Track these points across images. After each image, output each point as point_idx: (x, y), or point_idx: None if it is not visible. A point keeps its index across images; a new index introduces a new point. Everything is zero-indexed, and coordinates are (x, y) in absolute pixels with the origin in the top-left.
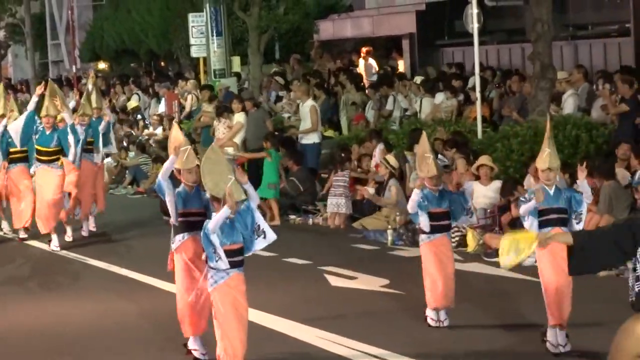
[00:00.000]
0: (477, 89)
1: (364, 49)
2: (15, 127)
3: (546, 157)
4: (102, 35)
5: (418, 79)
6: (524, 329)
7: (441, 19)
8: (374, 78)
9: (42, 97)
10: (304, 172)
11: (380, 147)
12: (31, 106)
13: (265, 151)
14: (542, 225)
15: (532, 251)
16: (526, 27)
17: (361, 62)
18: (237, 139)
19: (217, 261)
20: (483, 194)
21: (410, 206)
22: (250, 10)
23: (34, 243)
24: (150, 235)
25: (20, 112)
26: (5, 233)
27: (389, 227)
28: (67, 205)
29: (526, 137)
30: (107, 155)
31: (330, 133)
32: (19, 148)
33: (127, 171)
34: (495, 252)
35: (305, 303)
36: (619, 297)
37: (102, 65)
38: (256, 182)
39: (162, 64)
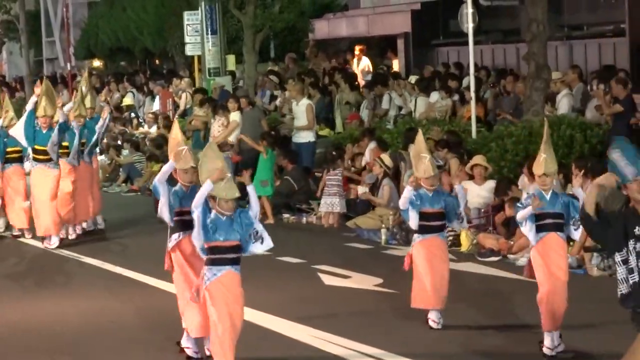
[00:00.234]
0: (472, 88)
1: (357, 48)
2: (17, 130)
3: (542, 162)
4: (97, 33)
5: (413, 79)
6: (518, 329)
7: (436, 19)
8: (369, 77)
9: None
10: (298, 171)
11: (372, 145)
12: (29, 106)
13: (263, 149)
14: (537, 229)
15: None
16: (521, 27)
17: (355, 61)
18: (232, 138)
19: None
20: (477, 193)
21: (402, 202)
22: (246, 8)
23: (28, 241)
24: (144, 233)
25: (16, 111)
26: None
27: (383, 226)
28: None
29: (520, 137)
30: (101, 152)
31: (325, 132)
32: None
33: (120, 169)
34: (488, 252)
35: (299, 302)
36: (613, 297)
37: (96, 63)
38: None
39: (157, 62)
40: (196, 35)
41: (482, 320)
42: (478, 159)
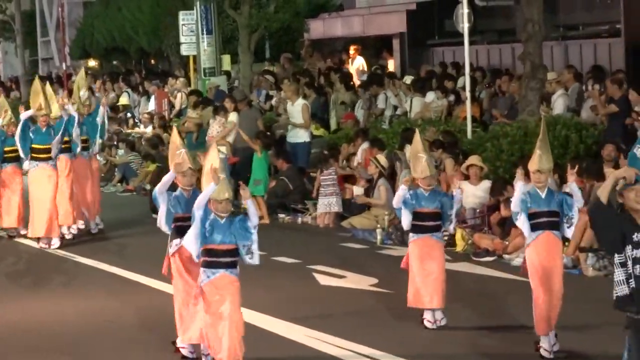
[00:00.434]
0: (467, 88)
1: (352, 47)
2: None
3: (536, 159)
4: (92, 33)
5: (408, 79)
6: (513, 329)
7: (431, 19)
8: (364, 77)
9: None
10: (293, 170)
11: (364, 145)
12: (24, 117)
13: (258, 148)
14: (533, 228)
15: None
16: (517, 27)
17: (350, 61)
18: (230, 139)
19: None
20: (472, 193)
21: (395, 201)
22: (241, 8)
23: (24, 241)
24: (141, 233)
25: (13, 109)
26: None
27: (378, 226)
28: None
29: (516, 137)
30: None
31: (320, 132)
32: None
33: (116, 169)
34: (483, 252)
35: (294, 302)
36: (608, 297)
37: (92, 62)
38: (245, 181)
39: (152, 61)
40: (191, 35)
41: (477, 320)
42: (473, 159)
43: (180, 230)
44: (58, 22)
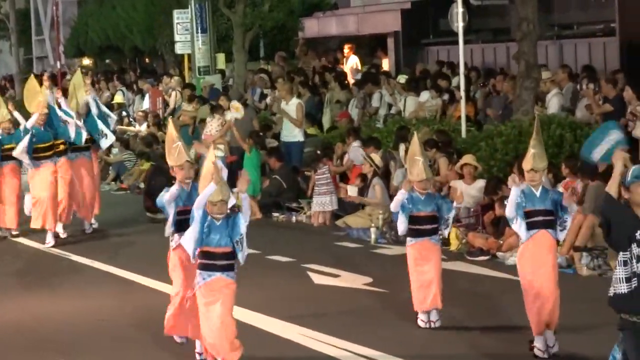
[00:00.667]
0: (462, 87)
1: (346, 46)
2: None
3: (530, 158)
4: (86, 31)
5: (402, 78)
6: (507, 328)
7: (426, 18)
8: (358, 76)
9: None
10: (286, 169)
11: (355, 144)
12: (30, 125)
13: (247, 147)
14: (528, 227)
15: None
16: (511, 27)
17: (345, 60)
18: (227, 137)
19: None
20: (466, 192)
21: (394, 205)
22: (235, 7)
23: (19, 240)
24: (135, 232)
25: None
26: None
27: (372, 225)
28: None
29: (510, 136)
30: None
31: (313, 131)
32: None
33: (110, 167)
34: (477, 251)
35: (288, 300)
36: (602, 297)
37: (86, 61)
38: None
39: (147, 60)
40: (186, 33)
41: (471, 320)
42: (468, 158)
43: (180, 224)
44: (52, 20)
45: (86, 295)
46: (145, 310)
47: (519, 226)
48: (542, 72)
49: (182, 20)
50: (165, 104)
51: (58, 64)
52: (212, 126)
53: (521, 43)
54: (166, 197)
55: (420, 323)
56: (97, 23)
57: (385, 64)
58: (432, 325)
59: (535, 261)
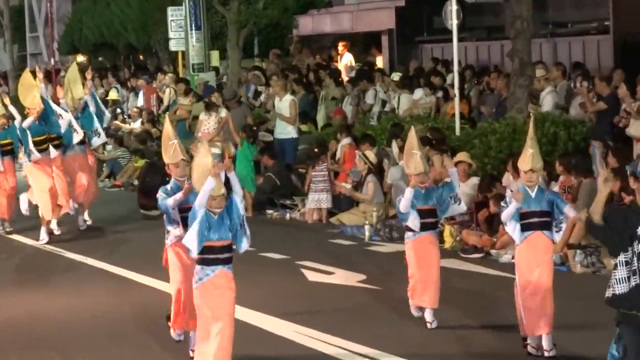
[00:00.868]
0: (456, 85)
1: (341, 44)
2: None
3: (529, 158)
4: (80, 28)
5: (396, 76)
6: (501, 326)
7: (420, 15)
8: (352, 73)
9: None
10: (279, 166)
11: (346, 141)
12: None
13: (239, 140)
14: (523, 228)
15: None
16: (506, 24)
17: (339, 58)
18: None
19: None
20: (460, 190)
21: (404, 205)
22: (230, 4)
23: (15, 237)
24: (129, 229)
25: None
26: None
27: (367, 222)
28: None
29: (504, 134)
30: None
31: (306, 128)
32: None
33: (104, 164)
34: (471, 249)
35: (283, 298)
36: (596, 294)
37: (80, 58)
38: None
39: (141, 57)
40: (180, 30)
41: (465, 317)
42: (462, 156)
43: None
44: (46, 17)
45: (81, 292)
46: (141, 307)
47: (512, 229)
48: (537, 69)
49: (176, 17)
50: (160, 100)
51: (52, 60)
52: (210, 124)
53: (515, 41)
54: (170, 202)
55: (414, 312)
56: (92, 20)
57: (380, 62)
58: (430, 326)
59: (530, 262)
